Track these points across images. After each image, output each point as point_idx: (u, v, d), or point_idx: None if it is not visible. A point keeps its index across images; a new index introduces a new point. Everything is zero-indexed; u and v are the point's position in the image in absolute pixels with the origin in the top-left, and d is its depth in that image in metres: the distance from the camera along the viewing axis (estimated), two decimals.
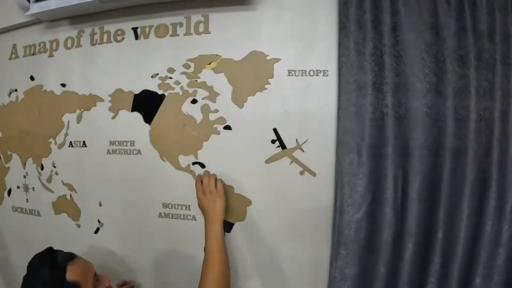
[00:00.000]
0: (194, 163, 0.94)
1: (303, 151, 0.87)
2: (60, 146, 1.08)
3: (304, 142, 0.87)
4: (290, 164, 0.88)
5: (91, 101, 1.03)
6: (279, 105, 0.88)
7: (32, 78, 1.11)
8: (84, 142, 1.05)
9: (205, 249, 0.76)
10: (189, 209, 0.95)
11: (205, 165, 0.94)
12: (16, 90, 1.14)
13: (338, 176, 0.85)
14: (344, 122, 0.84)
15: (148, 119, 0.98)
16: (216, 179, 0.85)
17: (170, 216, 0.97)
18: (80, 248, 1.07)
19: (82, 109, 1.05)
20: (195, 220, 0.95)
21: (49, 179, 1.10)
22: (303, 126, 0.87)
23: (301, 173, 0.88)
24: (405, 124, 0.85)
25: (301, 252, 0.90)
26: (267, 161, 0.89)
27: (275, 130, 0.88)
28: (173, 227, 0.97)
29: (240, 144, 0.91)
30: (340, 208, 0.86)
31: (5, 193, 1.18)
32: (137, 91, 0.99)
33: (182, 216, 0.96)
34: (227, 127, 0.92)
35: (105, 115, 1.02)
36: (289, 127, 0.88)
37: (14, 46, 1.14)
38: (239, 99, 0.90)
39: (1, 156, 1.17)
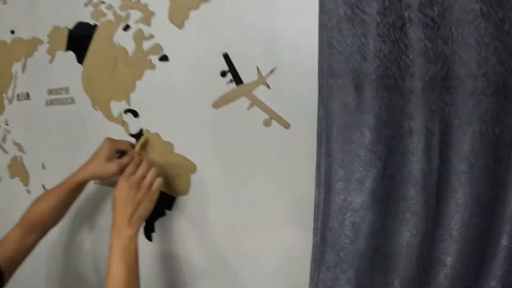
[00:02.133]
0: (126, 111, 0.67)
1: (268, 87, 0.53)
2: (10, 100, 0.91)
3: (271, 72, 0.52)
4: (249, 108, 0.54)
5: (33, 44, 0.83)
6: (232, 19, 0.54)
7: None
8: (28, 93, 0.86)
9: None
10: None
11: (138, 113, 0.66)
12: None
13: (323, 130, 0.48)
14: (329, 35, 0.46)
15: (80, 58, 0.74)
16: (155, 175, 0.55)
17: (106, 182, 0.72)
18: None
19: (27, 56, 0.86)
20: None
21: (4, 139, 0.95)
22: (268, 47, 0.52)
23: (267, 122, 0.53)
24: (443, 35, 0.43)
25: (273, 245, 0.55)
26: (216, 105, 0.57)
27: (226, 56, 0.55)
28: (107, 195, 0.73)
29: (180, 80, 0.60)
30: (325, 184, 0.49)
31: None
32: (71, 26, 0.75)
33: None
34: (164, 58, 0.61)
35: (44, 58, 0.81)
36: (247, 50, 0.54)
37: None
38: (177, 17, 0.59)
39: None
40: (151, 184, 0.54)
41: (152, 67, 0.62)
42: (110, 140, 0.59)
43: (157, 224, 0.67)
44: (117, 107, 0.68)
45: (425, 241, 0.46)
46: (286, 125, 0.52)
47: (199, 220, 0.61)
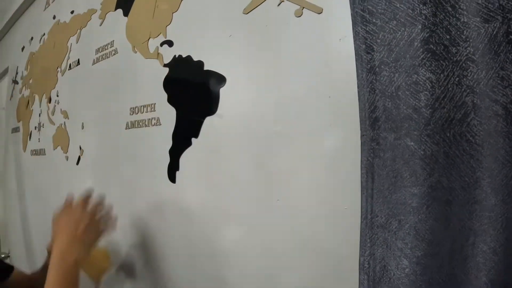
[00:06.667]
0: (162, 44, 0.76)
1: None
2: (63, 72, 1.11)
3: None
4: (279, 4, 0.59)
5: (88, 16, 1.04)
6: None
7: (54, 17, 1.24)
8: (78, 60, 1.05)
9: None
10: (154, 109, 0.76)
11: (173, 42, 0.75)
12: (44, 34, 1.29)
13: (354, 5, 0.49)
14: (360, 7, 0.46)
15: (127, 11, 0.89)
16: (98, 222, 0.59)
17: (137, 125, 0.80)
18: (66, 183, 1.02)
19: (82, 27, 1.07)
20: (159, 124, 0.74)
21: (53, 111, 1.13)
22: None
23: (298, 13, 0.57)
24: None
25: (313, 156, 0.54)
26: (246, 10, 0.63)
27: None
28: (139, 140, 0.79)
29: (212, 1, 0.68)
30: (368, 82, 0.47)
31: (28, 138, 1.30)
32: None
33: (146, 122, 0.77)
34: None
35: (96, 24, 1.00)
36: None
37: None
38: None
39: (29, 101, 1.31)
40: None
41: None
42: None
43: (183, 160, 0.69)
44: (154, 43, 0.79)
45: None
46: (318, 10, 0.55)
47: (228, 146, 0.62)
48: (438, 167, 0.44)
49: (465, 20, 0.42)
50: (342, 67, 0.49)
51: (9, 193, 1.44)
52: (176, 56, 0.72)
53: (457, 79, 0.43)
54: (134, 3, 0.86)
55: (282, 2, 0.58)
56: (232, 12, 0.63)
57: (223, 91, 0.63)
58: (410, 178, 0.45)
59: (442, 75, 0.44)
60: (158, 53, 0.76)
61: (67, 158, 1.02)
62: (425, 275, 0.44)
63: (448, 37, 0.44)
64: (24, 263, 1.34)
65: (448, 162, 0.44)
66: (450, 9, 0.43)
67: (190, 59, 0.69)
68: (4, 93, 1.59)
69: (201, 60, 0.67)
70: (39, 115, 1.20)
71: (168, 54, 0.73)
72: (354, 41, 0.47)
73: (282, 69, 0.56)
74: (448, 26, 0.43)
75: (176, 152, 0.69)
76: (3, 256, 1.57)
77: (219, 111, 0.63)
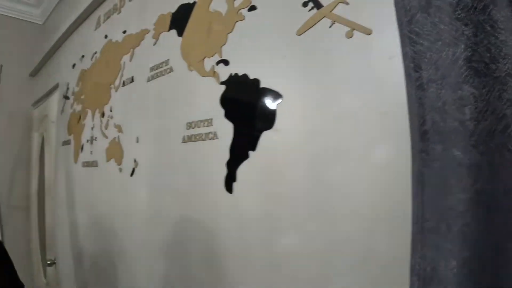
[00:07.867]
0: (218, 63, 0.89)
1: (347, 3, 0.68)
2: (116, 88, 1.27)
3: None
4: (331, 26, 0.69)
5: (141, 36, 1.20)
6: None
7: (106, 37, 1.42)
8: (132, 77, 1.20)
9: None
10: (211, 124, 0.88)
11: (229, 61, 0.87)
12: (96, 52, 1.47)
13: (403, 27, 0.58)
14: (407, 29, 0.54)
15: (181, 32, 1.03)
16: None
17: (193, 139, 0.92)
18: (119, 193, 1.16)
19: (135, 47, 1.23)
20: (216, 138, 0.86)
21: (107, 125, 1.29)
22: None
23: (349, 34, 0.67)
24: None
25: (364, 168, 0.63)
26: (299, 32, 0.74)
27: None
28: (195, 153, 0.92)
29: (266, 23, 0.79)
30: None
31: (80, 150, 1.47)
32: (174, 10, 1.08)
33: (203, 136, 0.89)
34: (252, 8, 0.84)
35: (149, 43, 1.15)
36: None
37: (99, 17, 1.50)
38: None
39: (81, 116, 1.49)
40: None
41: (242, 18, 0.85)
42: None
43: (240, 171, 0.80)
44: (209, 62, 0.91)
45: None
46: (368, 32, 0.65)
47: (284, 158, 0.72)
48: (482, 175, 0.52)
49: (503, 38, 0.51)
50: (392, 83, 0.58)
51: (59, 202, 1.62)
52: (232, 75, 0.84)
53: (497, 93, 0.51)
54: (188, 24, 0.99)
55: (333, 24, 0.68)
56: (286, 34, 0.74)
57: (280, 108, 0.73)
58: (457, 185, 0.53)
59: (484, 90, 0.52)
60: (214, 72, 0.88)
61: (120, 169, 1.17)
62: (471, 275, 0.51)
63: (488, 55, 0.52)
64: (70, 270, 1.50)
65: (491, 170, 0.52)
66: (489, 28, 0.52)
67: (246, 77, 0.80)
68: (54, 108, 1.79)
69: (257, 78, 0.78)
70: (92, 129, 1.37)
71: (224, 73, 0.86)
72: (403, 60, 0.56)
73: (335, 87, 0.66)
74: (488, 45, 0.52)
75: (233, 164, 0.80)
76: (49, 262, 1.75)
77: (275, 126, 0.74)
